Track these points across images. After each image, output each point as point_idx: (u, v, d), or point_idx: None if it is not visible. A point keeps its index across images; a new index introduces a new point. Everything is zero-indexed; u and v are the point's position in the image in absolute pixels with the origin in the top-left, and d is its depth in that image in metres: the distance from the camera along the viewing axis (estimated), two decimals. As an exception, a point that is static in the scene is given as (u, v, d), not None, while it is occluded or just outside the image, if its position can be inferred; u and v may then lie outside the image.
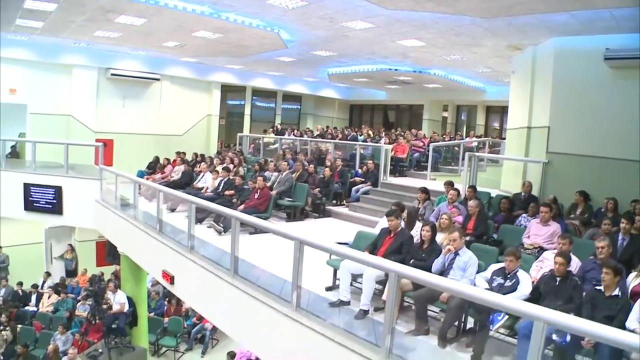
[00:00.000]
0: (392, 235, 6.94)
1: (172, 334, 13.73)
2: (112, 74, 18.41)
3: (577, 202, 9.58)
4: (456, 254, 6.22)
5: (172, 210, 11.41)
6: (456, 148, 16.92)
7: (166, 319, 14.07)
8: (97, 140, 17.15)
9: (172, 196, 10.54)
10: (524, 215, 9.00)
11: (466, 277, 6.01)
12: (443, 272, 6.17)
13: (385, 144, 15.71)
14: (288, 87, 24.42)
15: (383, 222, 7.62)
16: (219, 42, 14.34)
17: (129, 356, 11.64)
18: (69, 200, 13.87)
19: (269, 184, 12.06)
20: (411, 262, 6.46)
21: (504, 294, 5.45)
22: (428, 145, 16.07)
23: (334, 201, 13.26)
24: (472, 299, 4.70)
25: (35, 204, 14.17)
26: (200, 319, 14.11)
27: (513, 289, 5.68)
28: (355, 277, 6.54)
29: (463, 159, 14.50)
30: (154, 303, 14.35)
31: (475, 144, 17.33)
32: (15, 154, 16.94)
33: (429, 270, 5.97)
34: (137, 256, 11.12)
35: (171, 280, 8.95)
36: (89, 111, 18.14)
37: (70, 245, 17.86)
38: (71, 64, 17.78)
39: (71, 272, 17.10)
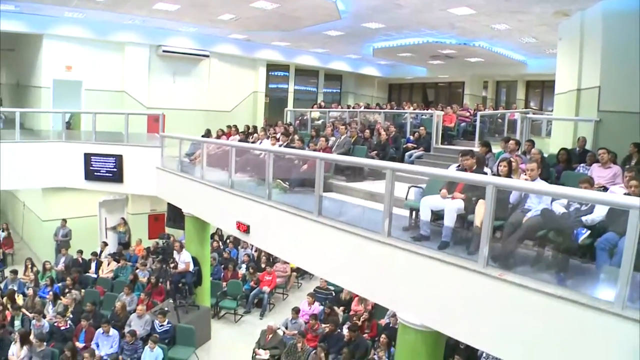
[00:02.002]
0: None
1: (231, 297, 14.09)
2: (164, 51, 18.81)
3: (631, 153, 9.66)
4: (532, 183, 6.44)
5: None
6: (499, 120, 17.05)
7: (224, 284, 14.45)
8: (149, 116, 17.64)
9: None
10: (582, 165, 9.15)
11: (543, 203, 6.19)
12: (520, 203, 6.38)
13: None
14: (330, 64, 24.62)
15: (453, 169, 7.85)
16: (273, 13, 14.62)
17: (194, 315, 12.05)
18: (130, 169, 14.32)
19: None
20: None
21: (581, 217, 5.69)
22: (474, 116, 16.24)
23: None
24: (558, 195, 5.34)
25: (95, 173, 14.63)
26: (258, 283, 14.47)
27: (590, 211, 5.87)
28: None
29: (508, 130, 14.75)
30: (211, 269, 14.69)
31: (517, 115, 17.43)
32: (69, 128, 17.36)
33: (506, 202, 6.23)
34: (205, 214, 11.53)
35: (247, 229, 9.29)
36: (141, 87, 18.59)
37: (123, 218, 18.34)
38: (124, 41, 18.22)
39: (124, 245, 17.52)
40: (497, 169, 7.11)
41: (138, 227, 18.29)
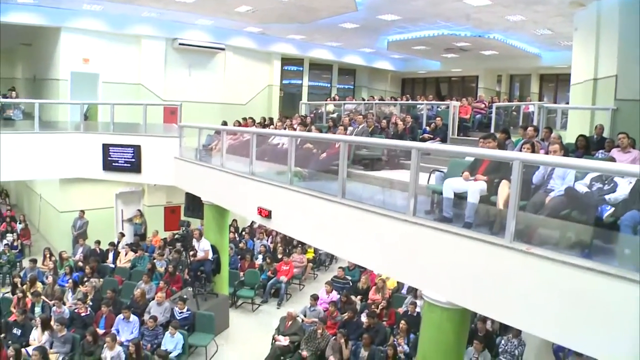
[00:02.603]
0: None
1: (248, 286, 14.19)
2: (180, 44, 18.88)
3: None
4: (554, 165, 6.48)
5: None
6: (514, 112, 17.04)
7: (242, 273, 14.54)
8: (165, 109, 17.75)
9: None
10: (600, 151, 9.17)
11: (566, 184, 6.24)
12: (543, 184, 6.42)
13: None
14: (344, 58, 24.60)
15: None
16: (290, 4, 14.70)
17: (213, 302, 12.15)
18: (148, 159, 14.42)
19: (346, 136, 12.36)
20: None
21: (604, 195, 5.74)
22: (489, 108, 16.26)
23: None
24: (589, 168, 5.57)
25: (113, 164, 14.73)
26: (275, 273, 14.56)
27: (612, 190, 5.90)
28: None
29: (523, 122, 14.78)
30: (228, 259, 14.79)
31: (532, 107, 17.41)
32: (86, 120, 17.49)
33: (529, 183, 6.30)
34: (225, 201, 11.63)
35: (268, 214, 9.37)
36: (157, 80, 18.68)
37: (139, 210, 18.47)
38: (140, 34, 18.32)
39: (140, 237, 17.64)
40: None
41: (154, 219, 18.43)
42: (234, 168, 10.84)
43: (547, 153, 9.02)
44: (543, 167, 6.50)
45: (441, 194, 6.84)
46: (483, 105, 16.73)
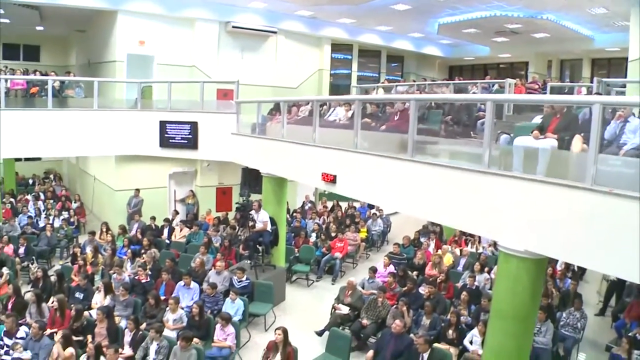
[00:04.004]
0: (558, 116, 7.22)
1: (303, 262, 14.26)
2: (233, 27, 19.02)
3: None
4: (625, 120, 6.48)
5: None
6: (567, 93, 16.83)
7: (296, 250, 14.63)
8: (218, 90, 17.93)
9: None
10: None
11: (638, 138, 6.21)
12: (615, 139, 6.42)
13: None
14: (393, 43, 24.47)
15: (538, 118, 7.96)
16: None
17: (270, 274, 12.23)
18: (204, 135, 14.63)
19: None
20: (582, 134, 6.73)
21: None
22: (542, 89, 16.07)
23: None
24: None
25: (170, 140, 14.99)
26: (329, 249, 14.59)
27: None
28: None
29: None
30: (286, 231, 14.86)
31: (584, 90, 17.17)
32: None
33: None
34: (286, 171, 11.75)
35: (333, 179, 9.41)
36: (211, 62, 18.82)
37: (192, 190, 18.69)
38: (194, 17, 18.49)
39: (193, 217, 17.80)
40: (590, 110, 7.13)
41: (206, 199, 18.63)
42: (297, 137, 10.94)
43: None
44: (615, 122, 6.55)
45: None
46: (537, 86, 16.55)
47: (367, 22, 21.10)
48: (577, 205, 5.51)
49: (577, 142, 6.20)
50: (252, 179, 13.34)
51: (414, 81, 22.01)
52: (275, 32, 20.20)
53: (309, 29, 21.10)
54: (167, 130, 14.97)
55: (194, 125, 14.60)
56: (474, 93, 15.87)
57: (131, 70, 17.46)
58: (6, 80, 14.91)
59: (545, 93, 15.44)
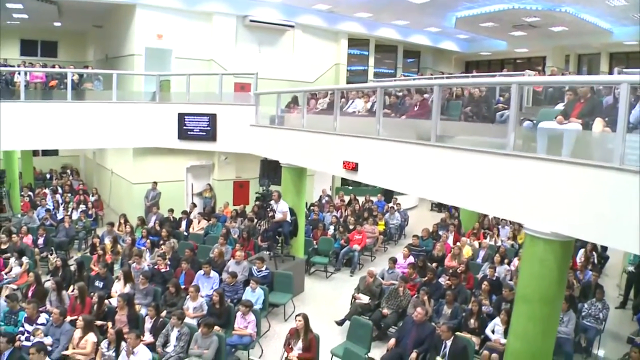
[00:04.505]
0: (582, 101, 7.21)
1: (322, 253, 14.26)
2: (251, 20, 19.04)
3: None
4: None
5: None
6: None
7: (315, 242, 14.63)
8: (235, 84, 17.96)
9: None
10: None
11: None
12: None
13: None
14: (410, 38, 24.41)
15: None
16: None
17: (290, 264, 12.23)
18: (223, 127, 14.62)
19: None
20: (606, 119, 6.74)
21: None
22: (563, 78, 16.00)
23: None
24: None
25: (189, 133, 15.01)
26: (347, 242, 14.56)
27: None
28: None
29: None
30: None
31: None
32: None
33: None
34: (307, 160, 11.74)
35: (355, 167, 9.39)
36: (228, 56, 18.81)
37: (209, 184, 18.74)
38: (212, 11, 18.51)
39: (210, 210, 17.84)
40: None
41: (223, 193, 18.68)
42: (316, 127, 10.93)
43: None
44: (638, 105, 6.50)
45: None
46: (556, 77, 16.49)
47: (384, 16, 21.05)
48: (604, 185, 5.48)
49: (598, 124, 6.30)
50: (271, 170, 13.34)
51: (432, 74, 21.93)
52: (292, 26, 20.21)
53: (326, 23, 21.05)
54: (186, 122, 15.00)
55: (212, 117, 14.61)
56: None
57: (149, 64, 17.50)
58: (25, 73, 15.02)
59: (564, 86, 15.29)
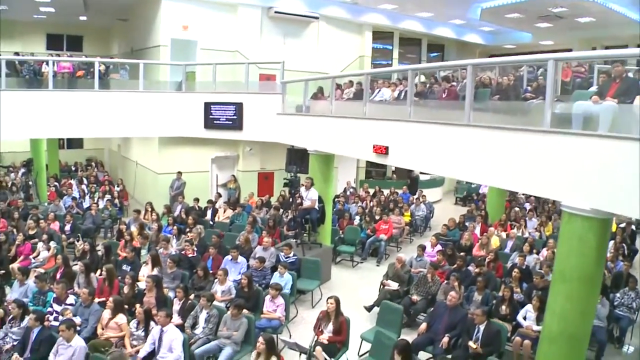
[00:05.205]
0: (617, 81, 7.19)
1: (348, 243, 14.21)
2: (276, 12, 19.03)
3: None
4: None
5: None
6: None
7: (341, 231, 14.58)
8: (261, 75, 17.95)
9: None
10: None
11: None
12: None
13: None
14: (434, 30, 24.15)
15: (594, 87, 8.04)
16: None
17: (317, 251, 12.19)
18: (249, 116, 14.63)
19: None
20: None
21: None
22: (589, 72, 15.78)
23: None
24: None
25: (215, 122, 15.07)
26: (374, 231, 14.50)
27: None
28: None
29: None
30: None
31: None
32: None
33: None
34: (335, 146, 11.70)
35: (385, 150, 9.33)
36: (253, 48, 18.81)
37: (234, 175, 18.77)
38: (236, 2, 18.52)
39: (235, 201, 17.89)
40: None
41: (248, 185, 18.72)
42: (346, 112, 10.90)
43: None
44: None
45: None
46: (583, 69, 16.28)
47: (408, 7, 20.90)
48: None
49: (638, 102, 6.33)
50: (297, 158, 13.27)
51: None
52: (317, 18, 20.15)
53: (350, 14, 20.94)
54: (212, 111, 15.05)
55: (239, 106, 14.64)
56: (520, 74, 15.65)
57: (175, 55, 17.55)
58: (53, 64, 15.13)
59: (592, 77, 15.13)
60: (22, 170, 20.11)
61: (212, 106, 15.03)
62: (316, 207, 12.04)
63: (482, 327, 8.01)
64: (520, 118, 8.24)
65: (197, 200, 16.01)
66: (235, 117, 14.72)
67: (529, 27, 22.59)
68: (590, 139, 5.95)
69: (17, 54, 17.19)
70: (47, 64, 14.97)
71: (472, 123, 7.47)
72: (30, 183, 18.40)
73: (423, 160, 8.82)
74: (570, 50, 23.30)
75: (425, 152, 8.61)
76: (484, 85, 13.19)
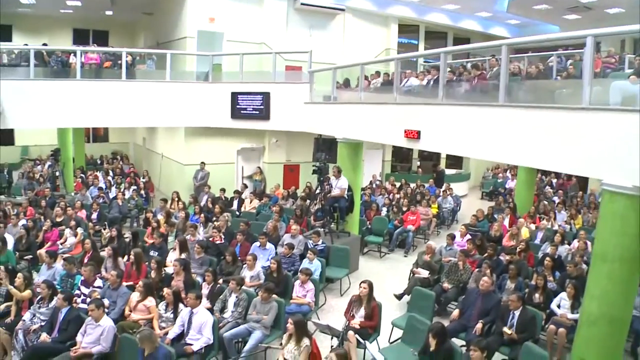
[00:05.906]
0: None
1: (376, 233, 14.11)
2: (302, 4, 18.98)
3: None
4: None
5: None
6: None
7: (369, 222, 14.48)
8: (286, 67, 17.88)
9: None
10: None
11: None
12: None
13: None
14: (460, 23, 23.90)
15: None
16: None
17: (345, 240, 12.12)
18: (276, 106, 14.58)
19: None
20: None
21: None
22: (619, 63, 15.53)
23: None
24: None
25: (242, 112, 15.05)
26: (401, 222, 14.39)
27: None
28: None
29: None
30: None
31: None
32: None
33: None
34: (365, 133, 11.61)
35: (417, 135, 9.22)
36: (279, 40, 18.75)
37: (259, 167, 18.76)
38: (262, -6, 18.58)
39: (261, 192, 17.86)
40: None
41: (273, 176, 18.72)
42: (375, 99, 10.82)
43: None
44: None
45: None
46: (614, 60, 16.04)
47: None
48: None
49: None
50: (325, 148, 13.23)
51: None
52: (343, 10, 20.07)
53: (376, 7, 20.84)
54: (239, 101, 15.04)
55: (266, 96, 14.61)
56: (549, 64, 15.47)
57: (201, 47, 17.57)
58: (81, 54, 15.20)
59: (623, 67, 14.89)
60: (49, 162, 20.27)
61: (239, 96, 15.02)
62: (345, 195, 11.95)
63: (517, 313, 7.87)
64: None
65: (223, 190, 16.01)
66: (262, 106, 14.69)
67: (557, 19, 22.25)
68: (632, 114, 5.78)
69: (44, 44, 17.26)
70: (75, 54, 15.03)
71: (507, 103, 7.32)
72: (57, 174, 18.54)
73: (456, 143, 8.70)
74: (598, 43, 22.95)
75: (459, 135, 8.48)
76: (513, 75, 13.06)
